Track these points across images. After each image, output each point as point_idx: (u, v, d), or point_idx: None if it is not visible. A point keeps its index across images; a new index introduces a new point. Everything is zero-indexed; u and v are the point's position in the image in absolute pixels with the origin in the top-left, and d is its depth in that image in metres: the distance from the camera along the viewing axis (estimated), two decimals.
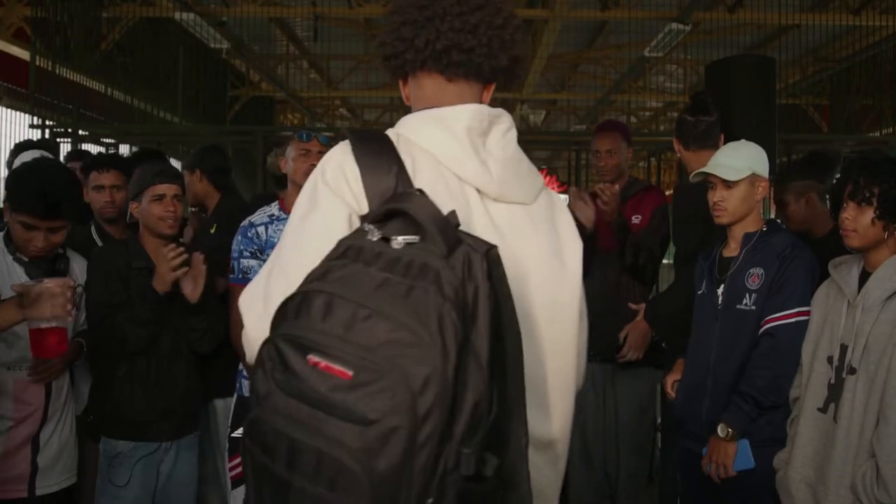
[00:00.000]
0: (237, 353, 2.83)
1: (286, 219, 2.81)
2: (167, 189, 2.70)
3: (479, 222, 1.22)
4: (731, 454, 2.38)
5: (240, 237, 2.82)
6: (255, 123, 11.42)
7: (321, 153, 2.82)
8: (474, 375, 0.89)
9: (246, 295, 1.19)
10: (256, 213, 2.86)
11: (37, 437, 2.49)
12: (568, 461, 1.33)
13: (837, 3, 8.46)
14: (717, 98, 3.13)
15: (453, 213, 1.00)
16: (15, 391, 2.44)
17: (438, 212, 0.98)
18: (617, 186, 3.46)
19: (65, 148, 6.72)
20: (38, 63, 7.22)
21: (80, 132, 7.27)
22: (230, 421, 2.99)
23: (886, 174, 2.14)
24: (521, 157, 1.30)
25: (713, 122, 2.95)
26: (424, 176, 1.20)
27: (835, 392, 2.17)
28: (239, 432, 2.91)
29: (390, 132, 1.26)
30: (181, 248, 2.63)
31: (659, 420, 3.73)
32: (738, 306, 2.46)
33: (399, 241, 0.96)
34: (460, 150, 1.23)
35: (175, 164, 4.30)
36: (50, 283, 2.15)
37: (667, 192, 4.56)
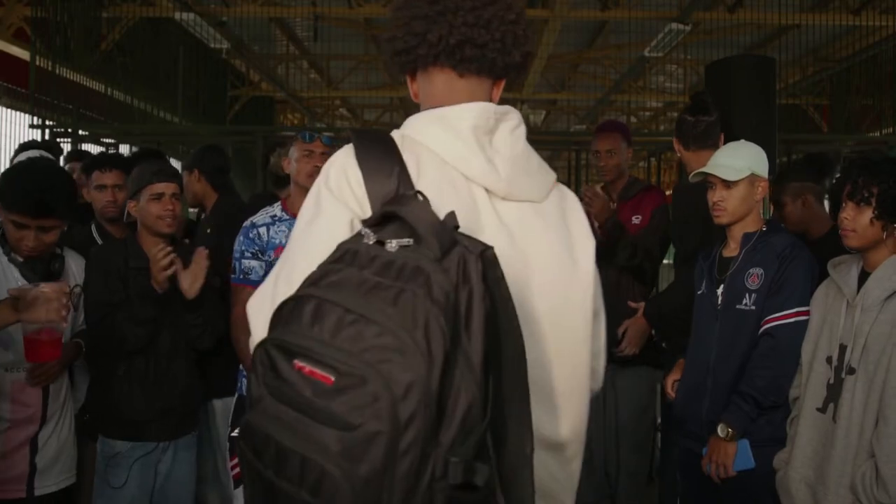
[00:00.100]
0: (237, 352, 2.84)
1: (288, 220, 2.84)
2: (165, 188, 2.70)
3: (486, 222, 1.21)
4: (730, 454, 2.38)
5: (241, 237, 2.82)
6: (255, 123, 11.41)
7: (324, 154, 2.82)
8: (466, 380, 0.88)
9: (254, 300, 1.20)
10: (259, 214, 2.86)
11: (35, 438, 2.48)
12: None
13: (837, 3, 8.46)
14: (717, 98, 3.14)
15: (452, 214, 0.99)
16: (12, 392, 2.43)
17: (434, 214, 0.98)
18: (598, 187, 3.45)
19: (65, 148, 6.71)
20: (38, 63, 7.21)
21: (80, 132, 7.27)
22: (230, 420, 3.00)
23: (885, 174, 2.14)
24: (531, 154, 1.28)
25: (713, 122, 2.95)
26: (430, 176, 1.18)
27: (834, 392, 2.17)
28: (237, 432, 2.92)
29: (395, 133, 1.25)
30: (169, 248, 2.61)
31: (659, 420, 3.73)
32: (737, 306, 2.46)
33: (393, 244, 0.96)
34: (465, 149, 1.21)
35: (175, 164, 4.30)
36: (46, 288, 2.16)
37: (667, 192, 4.56)
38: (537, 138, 10.78)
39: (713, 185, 2.53)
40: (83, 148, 6.73)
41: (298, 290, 0.97)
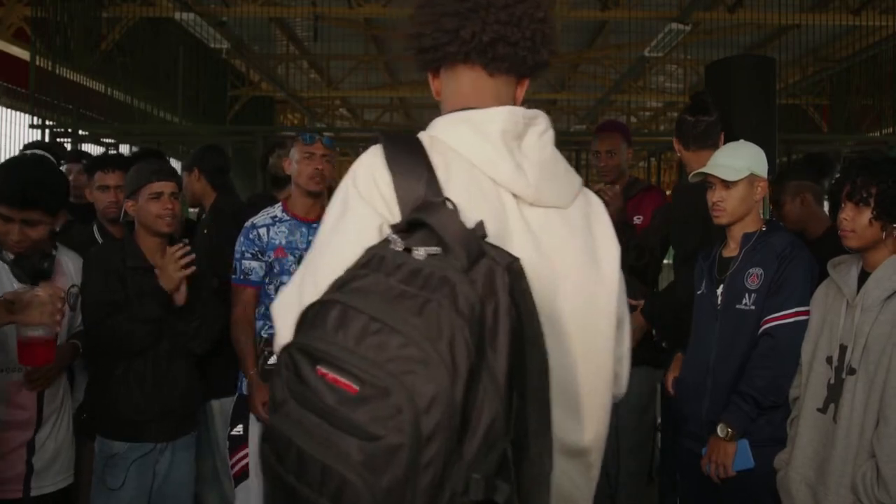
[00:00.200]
0: (237, 352, 2.83)
1: (288, 221, 2.84)
2: (164, 187, 2.68)
3: (515, 227, 1.19)
4: (730, 454, 2.38)
5: (242, 238, 2.82)
6: (255, 123, 11.42)
7: (325, 156, 2.82)
8: (490, 394, 0.87)
9: (278, 302, 1.18)
10: (259, 215, 2.86)
11: (32, 440, 2.45)
12: None
13: (837, 3, 8.47)
14: (717, 98, 3.13)
15: (480, 223, 0.98)
16: (8, 394, 2.41)
17: (462, 224, 0.96)
18: (618, 187, 3.46)
19: (66, 148, 6.72)
20: (38, 63, 7.21)
21: (80, 132, 7.26)
22: (229, 419, 3.00)
23: (884, 174, 2.14)
24: (558, 159, 1.27)
25: (713, 122, 2.95)
26: (459, 180, 1.16)
27: (834, 392, 2.17)
28: (238, 430, 2.92)
29: (422, 135, 1.22)
30: (189, 248, 2.61)
31: (659, 420, 3.73)
32: (737, 306, 2.46)
33: (421, 251, 0.95)
34: (494, 153, 1.20)
35: (175, 164, 4.30)
36: (40, 292, 2.15)
37: (667, 192, 4.56)
38: None
39: (713, 185, 2.53)
40: (83, 148, 6.74)
41: (325, 293, 0.96)
